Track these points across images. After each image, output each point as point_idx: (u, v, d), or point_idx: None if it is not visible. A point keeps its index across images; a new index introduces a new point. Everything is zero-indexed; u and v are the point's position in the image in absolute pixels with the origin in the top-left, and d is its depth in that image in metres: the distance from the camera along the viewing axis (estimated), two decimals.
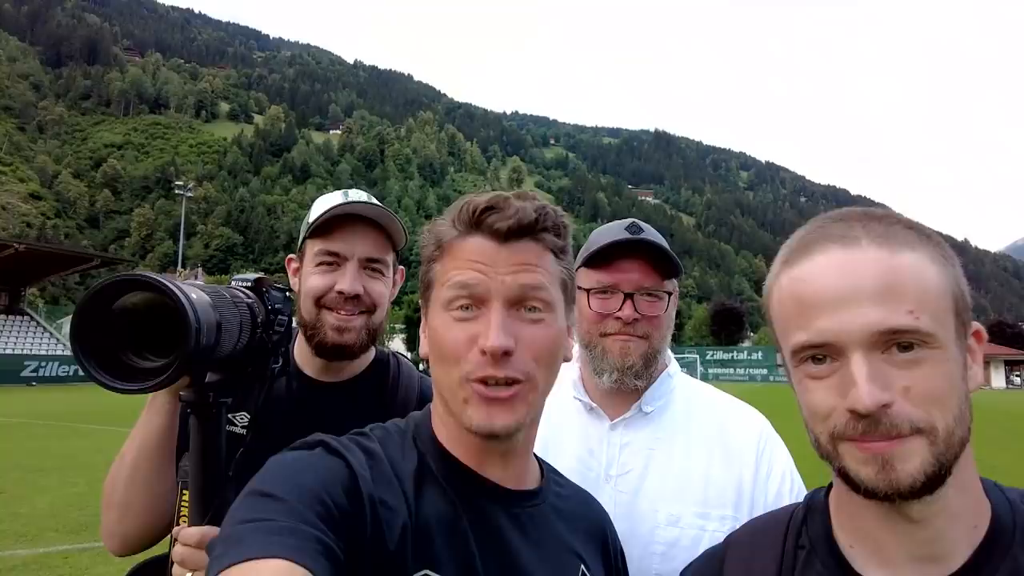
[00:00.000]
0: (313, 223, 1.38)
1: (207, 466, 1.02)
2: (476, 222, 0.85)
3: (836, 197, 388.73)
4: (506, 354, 0.80)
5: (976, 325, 0.75)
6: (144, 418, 1.22)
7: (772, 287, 0.80)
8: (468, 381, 0.82)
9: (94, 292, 0.81)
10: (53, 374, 35.98)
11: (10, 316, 41.14)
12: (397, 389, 1.50)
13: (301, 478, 0.74)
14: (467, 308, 0.83)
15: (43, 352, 38.55)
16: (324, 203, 1.41)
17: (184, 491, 1.07)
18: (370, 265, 1.41)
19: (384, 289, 1.44)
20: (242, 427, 1.32)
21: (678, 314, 1.43)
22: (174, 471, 1.22)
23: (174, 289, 0.80)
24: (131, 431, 1.23)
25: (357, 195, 1.42)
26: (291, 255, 1.52)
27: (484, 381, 0.81)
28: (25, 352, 37.76)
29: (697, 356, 55.67)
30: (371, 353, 1.52)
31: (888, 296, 0.69)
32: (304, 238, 1.43)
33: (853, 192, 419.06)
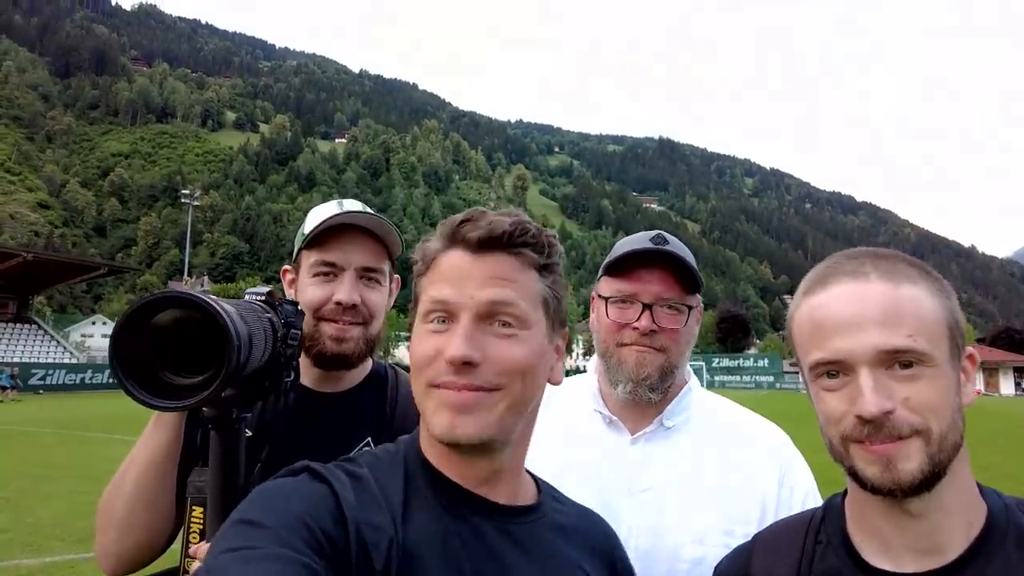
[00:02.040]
0: (309, 234, 1.38)
1: (228, 482, 1.02)
2: (453, 234, 0.87)
3: (841, 203, 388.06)
4: (469, 364, 0.80)
5: (970, 349, 0.86)
6: (150, 432, 1.20)
7: (794, 314, 0.91)
8: (432, 387, 0.82)
9: (132, 311, 0.80)
10: (60, 382, 36.02)
11: (18, 324, 41.32)
12: (397, 403, 1.50)
13: (285, 504, 0.73)
14: (442, 321, 0.84)
15: (50, 360, 38.72)
16: (319, 213, 1.41)
17: (195, 507, 1.06)
18: (367, 274, 1.41)
19: (381, 299, 1.44)
20: None
21: None
22: (175, 487, 1.21)
23: (215, 306, 0.81)
24: (133, 449, 1.22)
25: (352, 205, 1.42)
26: (286, 266, 1.53)
27: (446, 387, 0.82)
28: (32, 360, 37.82)
29: (703, 363, 55.42)
30: (368, 364, 1.51)
31: (891, 322, 0.80)
32: (299, 249, 1.43)
33: (859, 198, 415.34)
